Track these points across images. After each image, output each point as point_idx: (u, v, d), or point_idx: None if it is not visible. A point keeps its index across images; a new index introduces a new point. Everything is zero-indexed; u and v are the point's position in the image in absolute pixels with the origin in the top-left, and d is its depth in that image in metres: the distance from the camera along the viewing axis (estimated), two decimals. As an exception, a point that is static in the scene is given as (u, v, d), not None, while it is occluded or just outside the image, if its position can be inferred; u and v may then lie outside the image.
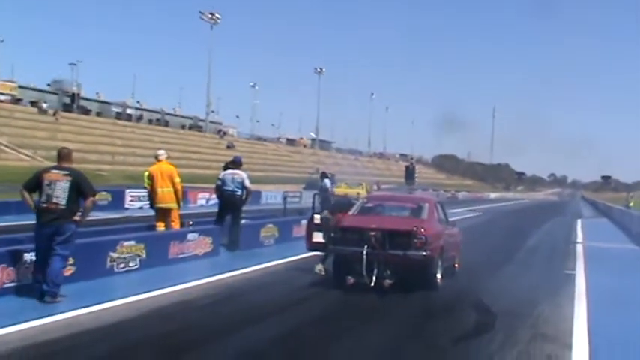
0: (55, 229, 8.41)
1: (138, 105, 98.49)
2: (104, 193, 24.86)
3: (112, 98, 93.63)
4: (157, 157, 13.59)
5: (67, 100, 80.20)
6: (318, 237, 11.93)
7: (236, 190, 14.45)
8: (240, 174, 14.61)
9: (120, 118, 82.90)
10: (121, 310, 8.30)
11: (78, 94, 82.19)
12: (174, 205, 13.34)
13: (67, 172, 8.58)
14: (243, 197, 14.54)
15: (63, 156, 8.82)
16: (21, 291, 8.52)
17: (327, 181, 24.62)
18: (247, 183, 14.60)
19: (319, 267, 11.66)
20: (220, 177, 14.74)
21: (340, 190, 21.83)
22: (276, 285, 11.02)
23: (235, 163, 14.98)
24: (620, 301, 10.97)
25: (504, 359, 7.10)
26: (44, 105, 68.98)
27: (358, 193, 31.08)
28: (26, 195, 8.64)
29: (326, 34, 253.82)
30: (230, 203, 14.51)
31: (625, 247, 22.68)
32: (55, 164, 8.89)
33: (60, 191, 8.44)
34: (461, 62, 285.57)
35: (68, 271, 9.09)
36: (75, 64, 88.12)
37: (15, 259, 8.56)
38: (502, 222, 34.50)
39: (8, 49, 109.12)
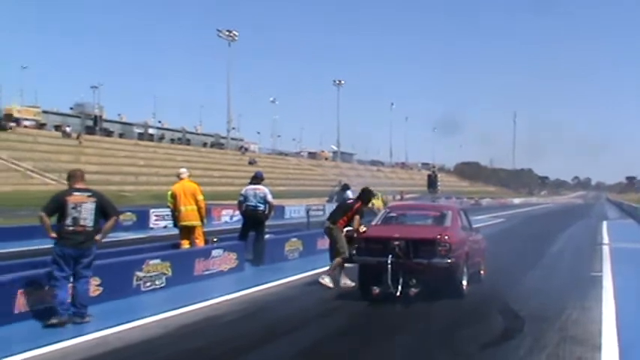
0: (82, 251, 8.46)
1: (159, 125, 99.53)
2: (129, 213, 25.10)
3: (134, 119, 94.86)
4: (179, 176, 13.69)
5: (90, 122, 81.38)
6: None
7: (259, 205, 14.46)
8: (263, 189, 14.63)
9: (142, 139, 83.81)
10: (149, 329, 8.35)
11: (100, 117, 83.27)
12: (197, 223, 13.40)
13: (90, 194, 8.63)
14: (266, 212, 14.56)
15: (78, 177, 8.80)
16: (48, 313, 8.42)
17: (349, 192, 24.55)
18: (270, 197, 14.62)
19: (344, 281, 11.70)
20: (242, 193, 14.75)
21: None
22: (302, 298, 11.03)
23: (257, 178, 14.98)
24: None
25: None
26: (67, 129, 70.05)
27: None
28: (46, 219, 8.54)
29: (343, 47, 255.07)
30: (253, 218, 14.53)
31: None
32: (70, 187, 8.77)
33: (87, 213, 8.48)
34: (478, 66, 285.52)
35: (95, 291, 9.18)
36: (96, 87, 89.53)
37: (43, 282, 8.59)
38: (526, 227, 34.19)
39: (31, 76, 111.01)
